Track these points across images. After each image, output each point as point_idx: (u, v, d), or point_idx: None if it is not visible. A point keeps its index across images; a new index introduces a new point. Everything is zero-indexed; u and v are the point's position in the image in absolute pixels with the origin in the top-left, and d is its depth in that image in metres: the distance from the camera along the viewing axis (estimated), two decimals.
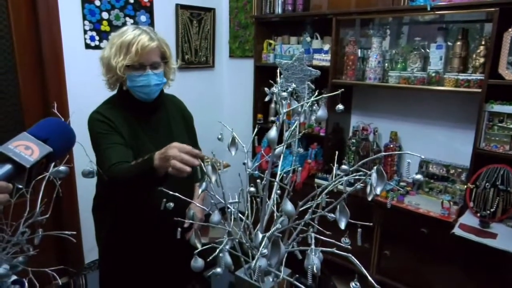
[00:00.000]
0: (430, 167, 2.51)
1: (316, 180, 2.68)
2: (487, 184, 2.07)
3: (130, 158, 1.34)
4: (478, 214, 2.10)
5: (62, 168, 0.97)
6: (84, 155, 1.08)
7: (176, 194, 1.11)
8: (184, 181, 1.55)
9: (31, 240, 0.96)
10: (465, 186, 2.21)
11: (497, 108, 2.04)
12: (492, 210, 2.05)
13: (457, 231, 1.99)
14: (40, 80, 2.46)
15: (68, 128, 0.87)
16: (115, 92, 1.51)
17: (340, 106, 0.98)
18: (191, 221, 1.07)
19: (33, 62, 2.43)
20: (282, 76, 1.04)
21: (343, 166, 0.92)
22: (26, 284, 0.94)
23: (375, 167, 0.84)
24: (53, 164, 0.93)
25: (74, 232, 0.95)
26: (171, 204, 1.07)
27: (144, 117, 1.48)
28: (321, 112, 0.99)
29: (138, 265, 1.49)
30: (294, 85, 1.01)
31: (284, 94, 0.97)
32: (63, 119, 0.89)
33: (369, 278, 0.82)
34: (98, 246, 1.61)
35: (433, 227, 2.20)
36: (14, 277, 0.97)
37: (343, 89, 0.99)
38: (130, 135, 1.42)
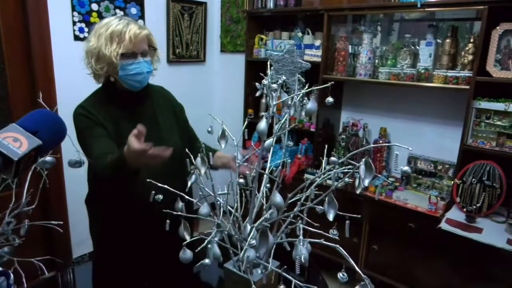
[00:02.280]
0: (418, 163, 2.54)
1: (306, 175, 2.69)
2: (473, 179, 2.10)
3: (114, 149, 1.34)
4: (465, 209, 2.14)
5: (48, 158, 0.96)
6: (71, 145, 1.07)
7: (165, 186, 1.10)
8: (176, 173, 1.56)
9: (17, 232, 0.95)
10: (452, 182, 2.24)
11: (484, 105, 2.07)
12: (478, 205, 2.09)
13: (444, 225, 2.02)
14: (28, 72, 2.42)
15: (59, 120, 0.85)
16: (100, 85, 1.51)
17: (330, 99, 0.99)
18: (180, 213, 1.06)
19: (21, 53, 2.39)
20: (272, 68, 1.03)
21: (332, 158, 0.92)
22: (12, 275, 0.93)
23: (363, 159, 0.84)
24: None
25: (61, 222, 0.94)
26: (160, 196, 1.07)
27: (130, 108, 1.48)
28: (311, 105, 0.99)
29: (132, 257, 1.49)
30: (284, 77, 1.01)
31: (274, 86, 0.97)
32: (51, 111, 0.87)
33: (357, 269, 0.82)
34: (92, 239, 1.62)
35: (420, 222, 2.23)
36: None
37: (333, 82, 0.99)
38: (115, 128, 1.43)
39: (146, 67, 1.41)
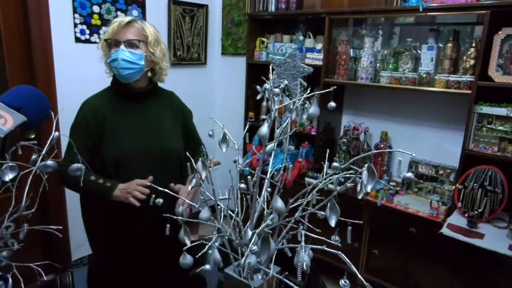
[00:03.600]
0: (420, 167, 2.52)
1: (307, 179, 2.68)
2: (475, 184, 2.09)
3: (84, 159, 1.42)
4: (466, 215, 2.13)
5: (49, 162, 0.95)
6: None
7: (166, 190, 1.09)
8: (173, 178, 1.56)
9: (16, 235, 0.94)
10: (454, 187, 2.23)
11: (486, 109, 2.06)
12: (479, 210, 2.08)
13: (445, 231, 2.01)
14: (28, 74, 2.41)
15: (42, 96, 0.83)
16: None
17: (332, 104, 0.98)
18: (181, 217, 1.06)
19: (21, 55, 2.38)
20: (274, 72, 1.03)
21: (335, 164, 0.92)
22: (10, 280, 0.92)
23: (366, 165, 0.84)
24: (40, 158, 0.91)
25: (60, 227, 0.93)
26: (160, 200, 1.06)
27: (131, 103, 1.53)
28: (313, 109, 0.99)
29: (129, 260, 1.49)
30: (286, 82, 1.01)
31: (277, 90, 0.97)
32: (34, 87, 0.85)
33: (358, 275, 0.82)
34: (89, 242, 1.64)
35: (421, 227, 2.22)
36: None
37: (335, 87, 0.98)
38: (115, 121, 1.49)
39: (124, 54, 1.43)
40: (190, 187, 1.03)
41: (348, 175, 0.93)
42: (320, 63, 2.65)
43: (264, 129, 0.94)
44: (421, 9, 2.11)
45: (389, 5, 2.38)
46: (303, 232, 0.91)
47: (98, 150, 1.48)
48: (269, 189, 1.09)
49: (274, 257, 0.96)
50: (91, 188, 1.41)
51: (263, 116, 3.15)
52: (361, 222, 0.89)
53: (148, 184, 1.37)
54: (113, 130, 1.48)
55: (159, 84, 1.63)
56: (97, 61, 1.54)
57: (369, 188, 0.84)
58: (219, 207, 1.09)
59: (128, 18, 1.46)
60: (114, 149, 1.46)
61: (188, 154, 1.14)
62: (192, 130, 1.70)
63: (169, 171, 1.56)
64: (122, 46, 1.43)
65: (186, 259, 0.99)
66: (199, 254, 0.94)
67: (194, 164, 1.01)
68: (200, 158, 1.07)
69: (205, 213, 1.04)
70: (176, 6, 3.12)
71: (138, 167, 1.48)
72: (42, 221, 2.36)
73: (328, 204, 0.91)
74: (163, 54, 1.53)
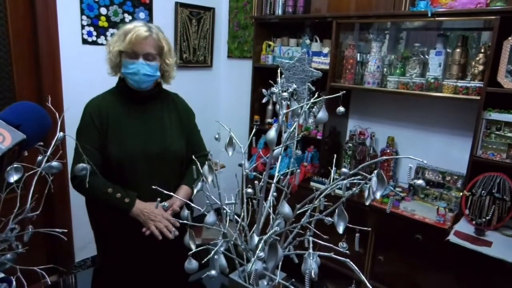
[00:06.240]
0: (426, 173, 2.50)
1: (312, 184, 2.67)
2: (483, 192, 2.07)
3: (97, 161, 1.44)
4: (474, 222, 2.10)
5: (54, 163, 0.94)
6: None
7: (171, 193, 1.08)
8: (174, 179, 1.56)
9: (21, 237, 0.93)
10: (461, 193, 2.20)
11: (495, 116, 2.04)
12: (487, 218, 2.05)
13: (452, 238, 1.98)
14: (35, 75, 2.42)
15: (43, 112, 0.81)
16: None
17: (341, 108, 0.97)
18: (185, 222, 1.04)
19: (29, 56, 2.39)
20: (283, 76, 1.02)
21: (343, 170, 0.90)
22: (14, 282, 0.91)
23: (375, 171, 0.82)
24: (45, 159, 0.90)
25: (65, 230, 0.92)
26: (166, 204, 1.05)
27: (136, 105, 1.54)
28: (322, 114, 0.97)
29: (133, 263, 1.48)
30: (294, 86, 1.00)
31: (285, 94, 0.96)
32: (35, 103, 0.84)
33: (367, 284, 0.80)
34: (96, 243, 1.65)
35: (428, 234, 2.19)
36: (1, 275, 0.94)
37: (344, 91, 0.97)
38: (119, 122, 1.50)
39: (145, 69, 1.44)
40: (195, 190, 1.02)
41: (356, 181, 0.92)
42: (327, 67, 2.64)
43: (272, 133, 0.93)
44: (429, 14, 2.09)
45: (397, 9, 2.36)
46: (310, 238, 0.89)
47: (104, 149, 1.48)
48: (274, 194, 1.08)
49: (280, 263, 0.95)
50: (109, 202, 1.43)
51: (269, 120, 3.14)
52: (369, 229, 0.87)
53: (178, 225, 1.40)
54: (116, 132, 1.48)
55: (164, 86, 1.64)
56: (103, 63, 1.54)
57: (378, 195, 0.82)
58: (224, 211, 1.07)
59: (145, 29, 1.44)
60: (117, 150, 1.47)
61: (193, 157, 1.14)
62: (194, 131, 1.70)
63: (170, 172, 1.57)
64: (141, 60, 1.44)
65: (191, 264, 0.98)
66: (205, 260, 0.93)
67: (200, 168, 1.00)
68: (206, 162, 1.06)
69: (210, 218, 1.03)
70: (183, 8, 3.12)
71: (140, 168, 1.49)
72: (46, 222, 2.38)
73: (336, 210, 0.89)
74: (174, 61, 1.56)
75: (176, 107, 1.63)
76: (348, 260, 0.84)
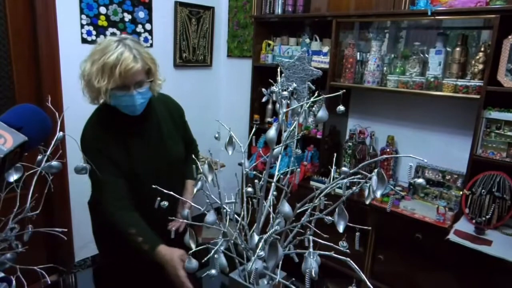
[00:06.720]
0: (426, 172, 2.50)
1: (312, 183, 2.67)
2: (483, 190, 2.07)
3: (124, 189, 1.41)
4: (474, 221, 2.10)
5: (54, 163, 0.94)
6: (76, 148, 1.05)
7: (171, 193, 1.08)
8: (179, 182, 1.55)
9: (20, 237, 0.93)
10: (461, 192, 2.20)
11: (495, 115, 2.04)
12: (487, 217, 2.05)
13: (452, 237, 1.98)
14: (35, 74, 2.42)
15: (44, 115, 0.82)
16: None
17: (341, 108, 0.97)
18: (186, 221, 1.04)
19: (28, 55, 2.39)
20: (283, 75, 1.02)
21: (344, 169, 0.90)
22: (14, 281, 0.91)
23: (375, 170, 0.82)
24: (45, 158, 0.90)
25: (65, 230, 0.92)
26: (165, 203, 1.05)
27: (134, 128, 1.46)
28: (322, 113, 0.97)
29: (133, 262, 1.48)
30: (294, 85, 1.00)
31: (285, 93, 0.95)
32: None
33: (367, 283, 0.80)
34: (96, 242, 1.63)
35: (428, 233, 2.19)
36: (1, 274, 0.94)
37: (344, 90, 0.97)
38: (123, 150, 1.43)
39: (139, 99, 1.35)
40: (195, 189, 1.02)
41: (356, 180, 0.92)
42: (327, 66, 2.64)
43: (272, 132, 0.93)
44: (429, 13, 2.09)
45: (397, 8, 2.36)
46: (311, 238, 0.89)
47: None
48: (274, 193, 1.08)
49: (281, 262, 0.95)
50: (130, 242, 1.34)
51: (269, 119, 3.14)
52: (369, 228, 0.87)
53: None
54: (119, 156, 1.43)
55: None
56: None
57: (378, 194, 0.82)
58: (224, 210, 1.07)
59: (131, 58, 1.29)
60: (123, 171, 1.43)
61: (187, 154, 1.13)
62: (186, 127, 1.69)
63: (175, 175, 1.57)
64: (133, 91, 1.33)
65: (192, 264, 0.98)
66: (205, 259, 0.93)
67: (200, 167, 1.00)
68: (206, 161, 1.06)
69: (210, 217, 1.03)
70: (182, 8, 3.12)
71: (149, 182, 1.43)
72: (46, 222, 2.38)
73: (336, 210, 0.89)
74: (158, 71, 1.45)
75: (167, 108, 1.59)
76: (348, 259, 0.84)
